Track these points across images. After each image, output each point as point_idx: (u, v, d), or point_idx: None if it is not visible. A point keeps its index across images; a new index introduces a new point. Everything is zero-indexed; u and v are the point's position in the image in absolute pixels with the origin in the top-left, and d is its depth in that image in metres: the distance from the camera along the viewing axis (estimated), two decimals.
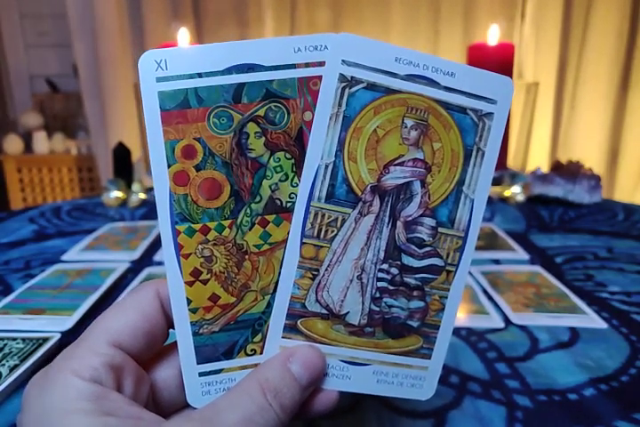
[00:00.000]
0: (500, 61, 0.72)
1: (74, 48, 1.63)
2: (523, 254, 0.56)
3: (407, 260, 0.21)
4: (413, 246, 0.21)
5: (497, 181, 0.77)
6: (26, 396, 0.18)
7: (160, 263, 0.53)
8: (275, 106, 0.20)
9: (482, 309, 0.43)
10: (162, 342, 0.22)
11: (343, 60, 0.19)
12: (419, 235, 0.21)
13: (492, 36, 0.72)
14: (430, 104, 0.21)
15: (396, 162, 0.21)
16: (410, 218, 0.21)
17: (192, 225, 0.20)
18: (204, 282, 0.21)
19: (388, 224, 0.21)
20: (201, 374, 0.21)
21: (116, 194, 0.78)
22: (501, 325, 0.40)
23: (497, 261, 0.55)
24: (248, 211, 0.20)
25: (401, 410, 0.30)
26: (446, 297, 0.22)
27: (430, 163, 0.21)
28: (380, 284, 0.21)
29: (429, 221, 0.21)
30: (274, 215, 0.21)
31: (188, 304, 0.21)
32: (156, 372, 0.22)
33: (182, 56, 0.19)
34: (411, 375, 0.22)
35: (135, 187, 0.78)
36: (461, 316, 0.42)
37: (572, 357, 0.36)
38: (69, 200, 0.84)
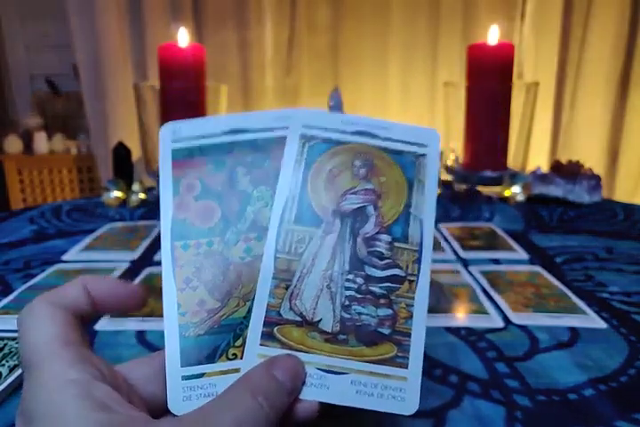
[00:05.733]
0: (499, 61, 0.72)
1: (74, 48, 1.63)
2: (522, 254, 0.56)
3: (370, 271, 0.24)
4: (374, 259, 0.24)
5: (497, 181, 0.77)
6: (23, 408, 0.19)
7: (160, 263, 0.53)
8: (258, 154, 0.25)
9: (481, 308, 0.43)
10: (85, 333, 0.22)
11: (303, 125, 0.26)
12: (377, 249, 0.25)
13: (492, 35, 0.72)
14: (373, 150, 0.26)
15: (351, 191, 0.25)
16: (368, 235, 0.25)
17: (187, 241, 0.24)
18: (194, 289, 0.24)
19: (349, 240, 0.25)
20: (184, 378, 0.22)
21: (116, 194, 0.78)
22: (501, 324, 0.40)
23: (497, 261, 0.55)
24: (235, 230, 0.25)
25: None
26: (412, 305, 0.24)
27: (379, 191, 0.25)
28: (348, 292, 0.24)
29: (385, 237, 0.25)
30: (256, 233, 0.25)
31: (178, 308, 0.23)
32: (133, 372, 0.22)
33: (191, 125, 0.26)
34: (390, 386, 0.23)
35: (135, 187, 0.78)
36: (461, 315, 0.42)
37: (571, 357, 0.36)
38: (69, 200, 0.84)
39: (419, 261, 0.25)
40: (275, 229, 0.24)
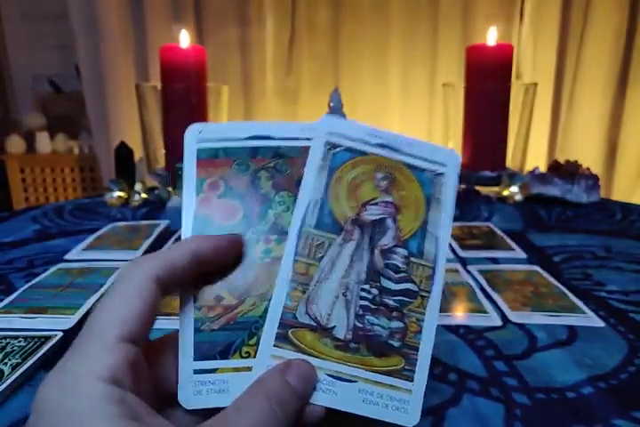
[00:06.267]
0: (498, 62, 0.73)
1: (76, 48, 1.63)
2: (521, 253, 0.57)
3: (385, 283, 0.25)
4: (390, 271, 0.25)
5: (495, 181, 0.78)
6: (41, 399, 0.18)
7: None
8: (282, 161, 0.26)
9: (480, 307, 0.43)
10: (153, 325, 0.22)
11: (329, 132, 0.26)
12: (394, 262, 0.25)
13: (491, 36, 0.72)
14: (395, 164, 0.26)
15: (372, 202, 0.26)
16: (385, 247, 0.25)
17: None
18: (212, 283, 0.24)
19: (367, 251, 0.25)
20: (196, 372, 0.22)
21: (118, 194, 0.78)
22: (499, 323, 0.41)
23: (495, 260, 0.55)
24: (255, 230, 0.25)
25: None
26: (423, 320, 0.25)
27: (399, 205, 0.26)
28: (363, 302, 0.24)
29: (402, 251, 0.25)
30: (276, 236, 0.25)
31: (195, 302, 0.23)
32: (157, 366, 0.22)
33: (216, 127, 0.26)
34: (395, 398, 0.23)
35: (137, 187, 0.78)
36: (460, 314, 0.42)
37: (570, 355, 0.36)
38: (72, 200, 0.84)
39: (432, 277, 0.25)
40: (295, 232, 0.25)
